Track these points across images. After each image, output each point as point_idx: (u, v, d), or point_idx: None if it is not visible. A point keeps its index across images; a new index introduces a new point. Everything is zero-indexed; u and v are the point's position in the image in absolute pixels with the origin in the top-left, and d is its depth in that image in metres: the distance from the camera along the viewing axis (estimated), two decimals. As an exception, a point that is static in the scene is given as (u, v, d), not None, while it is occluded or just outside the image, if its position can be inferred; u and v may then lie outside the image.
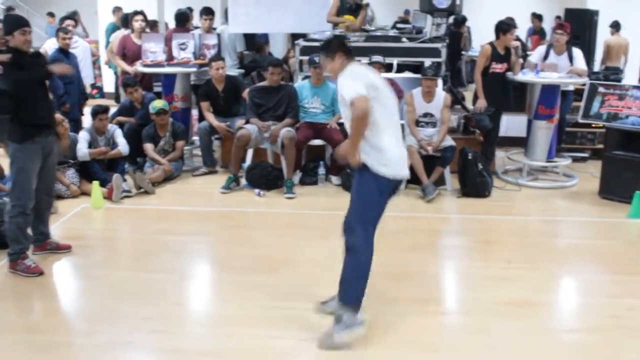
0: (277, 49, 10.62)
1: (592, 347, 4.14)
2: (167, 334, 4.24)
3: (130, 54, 8.97)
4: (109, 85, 13.10)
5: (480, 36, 8.04)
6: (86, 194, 7.06)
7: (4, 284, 5.01)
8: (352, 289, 4.10)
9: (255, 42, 9.98)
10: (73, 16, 9.90)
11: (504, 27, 7.71)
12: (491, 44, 7.78)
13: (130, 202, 7.04)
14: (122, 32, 9.87)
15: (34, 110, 5.05)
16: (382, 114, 4.02)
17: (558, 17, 14.92)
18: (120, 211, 6.82)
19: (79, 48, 9.16)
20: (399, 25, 9.83)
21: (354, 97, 3.88)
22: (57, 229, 6.06)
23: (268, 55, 9.70)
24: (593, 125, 8.54)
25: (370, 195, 4.07)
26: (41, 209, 5.38)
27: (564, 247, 6.02)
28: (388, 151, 4.03)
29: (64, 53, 8.15)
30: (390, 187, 4.08)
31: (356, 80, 3.98)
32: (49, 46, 8.75)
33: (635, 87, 7.27)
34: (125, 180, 7.25)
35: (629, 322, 4.45)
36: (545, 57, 7.91)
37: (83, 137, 7.35)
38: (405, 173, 4.14)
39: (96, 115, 7.43)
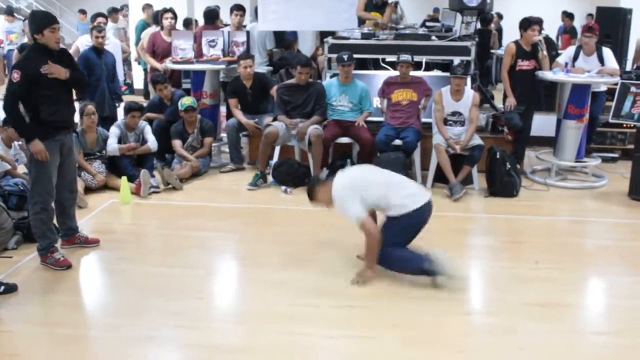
0: (306, 46, 10.63)
1: (618, 349, 4.09)
2: (193, 330, 4.26)
3: (159, 51, 9.05)
4: (138, 82, 13.21)
5: (512, 34, 7.99)
6: (115, 188, 7.13)
7: (32, 276, 5.08)
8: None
9: (284, 40, 10.01)
10: (106, 14, 10.00)
11: (525, 23, 7.68)
12: (516, 42, 7.75)
13: (158, 197, 7.10)
14: (153, 29, 9.95)
15: (56, 111, 5.05)
16: (378, 194, 4.83)
17: (590, 15, 14.77)
18: (148, 207, 6.88)
19: (110, 45, 9.24)
20: (428, 24, 9.78)
21: (358, 223, 4.73)
22: (85, 223, 6.13)
23: (297, 53, 9.71)
24: (624, 126, 8.43)
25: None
26: (65, 205, 5.45)
27: (592, 248, 5.96)
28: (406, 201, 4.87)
29: (97, 52, 8.18)
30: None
31: (353, 201, 4.75)
32: (81, 43, 8.85)
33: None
34: (153, 176, 7.32)
35: (657, 325, 4.40)
36: (575, 58, 7.82)
37: (113, 132, 7.43)
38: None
39: (129, 112, 7.50)
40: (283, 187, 7.33)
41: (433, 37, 8.35)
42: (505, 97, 7.89)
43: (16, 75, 4.86)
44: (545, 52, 7.83)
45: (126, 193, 6.88)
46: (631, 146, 8.09)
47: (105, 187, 7.27)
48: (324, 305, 4.57)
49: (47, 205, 5.16)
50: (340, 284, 4.86)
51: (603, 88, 8.17)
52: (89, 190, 7.03)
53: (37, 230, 5.20)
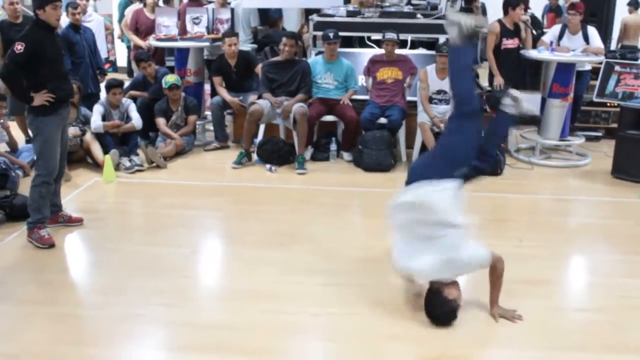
0: (291, 24, 10.58)
1: (599, 326, 4.14)
2: (178, 307, 4.27)
3: (143, 28, 8.97)
4: (122, 60, 13.10)
5: (498, 13, 8.03)
6: (93, 154, 7.14)
7: (17, 256, 5.06)
8: None
9: (269, 17, 9.95)
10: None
11: (513, 2, 7.70)
12: (499, 21, 7.77)
13: (141, 176, 7.07)
14: (136, 6, 9.85)
15: (59, 85, 5.12)
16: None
17: None
18: (132, 185, 6.85)
19: (93, 22, 9.15)
20: (413, 2, 9.74)
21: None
22: (69, 202, 6.09)
23: (282, 31, 9.66)
24: (608, 104, 8.46)
25: None
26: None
27: (575, 226, 6.00)
28: None
29: (74, 28, 8.06)
30: None
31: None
32: (64, 20, 8.72)
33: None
34: (137, 154, 7.29)
35: (637, 302, 4.44)
36: (560, 36, 7.84)
37: (97, 110, 7.36)
38: None
39: (110, 90, 7.44)
40: (268, 166, 7.31)
41: (418, 15, 8.33)
42: (490, 76, 7.89)
43: (20, 47, 4.88)
44: (532, 30, 7.84)
45: (110, 171, 6.84)
46: (615, 125, 8.13)
47: (85, 161, 7.29)
48: (308, 282, 4.58)
49: (49, 179, 5.19)
50: (325, 262, 4.87)
51: (588, 67, 8.18)
52: (69, 162, 6.92)
53: (33, 202, 5.19)
